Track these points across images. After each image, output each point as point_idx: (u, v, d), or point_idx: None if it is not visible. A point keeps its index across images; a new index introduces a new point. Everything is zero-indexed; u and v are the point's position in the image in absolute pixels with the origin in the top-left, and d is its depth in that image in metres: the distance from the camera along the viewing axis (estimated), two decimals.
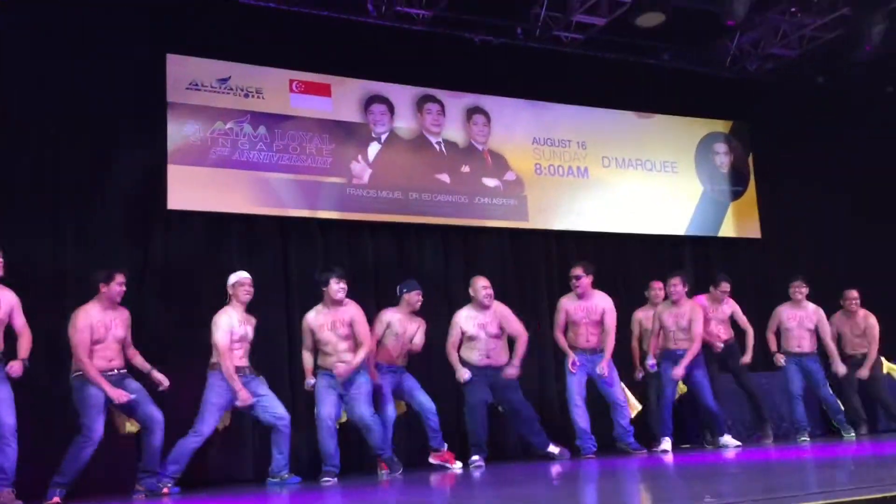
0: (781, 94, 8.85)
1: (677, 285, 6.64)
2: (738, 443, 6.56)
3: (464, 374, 6.06)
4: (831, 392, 7.03)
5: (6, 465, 4.75)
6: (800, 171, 8.86)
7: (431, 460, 6.03)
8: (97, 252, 5.96)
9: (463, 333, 6.16)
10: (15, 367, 4.85)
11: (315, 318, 5.72)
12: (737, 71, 8.69)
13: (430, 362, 6.47)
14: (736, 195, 8.85)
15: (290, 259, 6.86)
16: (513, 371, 6.13)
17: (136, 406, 5.18)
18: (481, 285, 6.19)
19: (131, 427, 5.29)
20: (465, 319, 6.18)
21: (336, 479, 5.50)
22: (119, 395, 5.06)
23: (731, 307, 7.11)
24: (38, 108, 6.10)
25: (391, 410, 5.95)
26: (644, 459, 5.84)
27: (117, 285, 5.22)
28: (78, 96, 6.22)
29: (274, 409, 5.50)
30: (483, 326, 6.13)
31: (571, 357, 6.37)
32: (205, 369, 5.45)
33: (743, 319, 7.10)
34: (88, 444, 4.98)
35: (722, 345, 6.87)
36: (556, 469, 5.41)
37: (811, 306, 7.14)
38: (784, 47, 8.36)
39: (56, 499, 4.89)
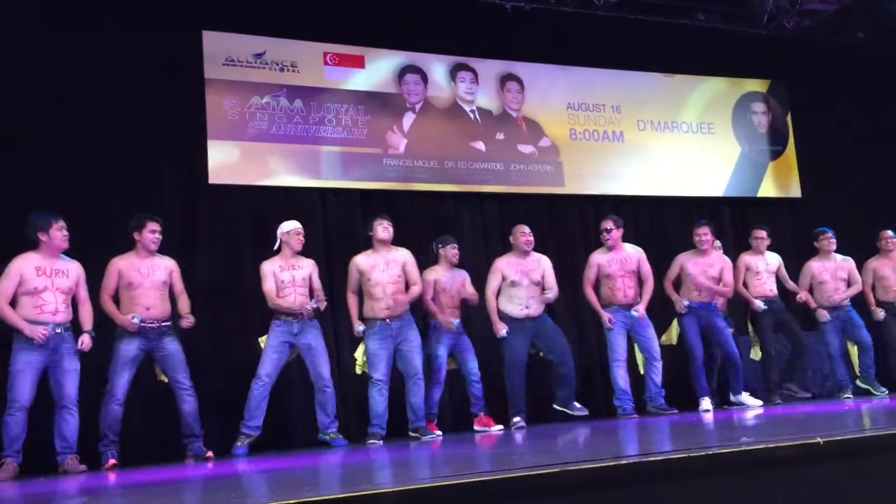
0: (820, 51, 8.69)
1: (707, 234, 6.65)
2: (759, 402, 6.54)
3: (501, 329, 6.12)
4: (869, 338, 6.96)
5: (68, 433, 4.93)
6: (840, 129, 8.73)
7: (476, 427, 6.11)
8: None
9: (503, 280, 6.22)
10: (86, 342, 5.03)
11: (365, 259, 5.86)
12: (773, 28, 8.56)
13: (468, 323, 6.53)
14: (775, 155, 8.76)
15: (330, 230, 6.97)
16: (552, 295, 6.20)
17: (168, 369, 5.29)
18: (521, 231, 6.32)
19: (163, 376, 5.38)
20: (507, 266, 6.26)
21: (382, 441, 5.61)
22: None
23: (777, 260, 7.07)
24: (74, 91, 6.22)
25: (443, 372, 6.08)
26: (681, 417, 5.87)
27: (149, 232, 5.30)
28: (115, 78, 6.32)
29: (318, 368, 5.62)
30: (526, 273, 6.21)
31: (605, 315, 6.38)
32: (250, 332, 5.69)
33: (786, 278, 7.08)
34: (112, 399, 5.10)
35: (762, 304, 6.83)
36: (593, 426, 5.48)
37: (839, 257, 7.10)
38: (822, 2, 8.22)
39: (112, 461, 5.05)
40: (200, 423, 5.33)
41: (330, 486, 2.88)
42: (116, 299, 5.30)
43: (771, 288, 6.95)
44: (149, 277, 5.29)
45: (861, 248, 7.41)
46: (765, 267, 6.98)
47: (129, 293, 5.25)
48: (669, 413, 6.24)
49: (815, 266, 7.09)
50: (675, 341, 6.67)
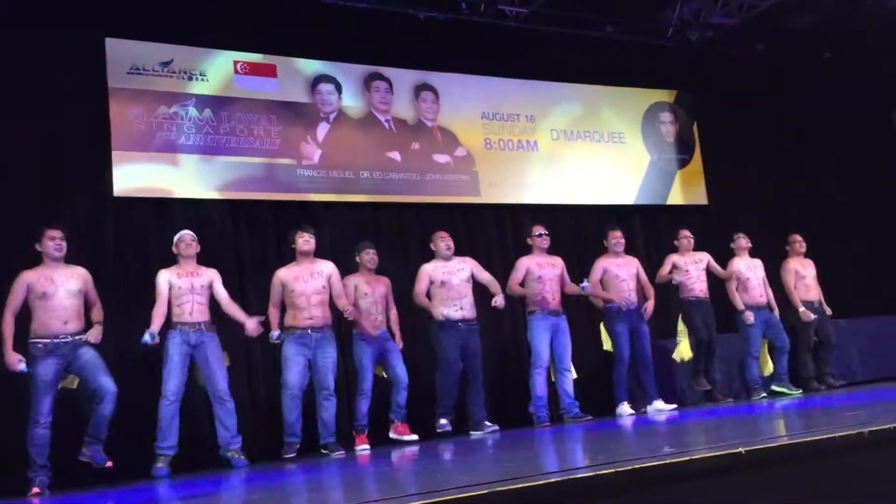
0: (723, 63, 9.00)
1: (621, 237, 6.83)
2: (673, 406, 6.67)
3: (441, 311, 6.08)
4: (788, 341, 7.19)
5: None
6: (744, 138, 9.04)
7: (391, 434, 6.01)
8: None
9: (432, 283, 6.19)
10: None
11: (287, 271, 5.76)
12: (679, 41, 8.81)
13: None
14: (682, 163, 9.01)
15: (242, 242, 6.80)
16: (500, 300, 6.18)
17: (89, 375, 5.06)
18: (440, 237, 6.35)
19: (68, 384, 5.14)
20: (434, 269, 6.25)
21: (297, 451, 5.51)
22: (13, 363, 4.85)
23: (706, 257, 7.22)
24: None
25: (369, 383, 5.95)
26: (599, 424, 5.92)
27: (48, 240, 5.07)
28: (15, 85, 6.04)
29: (216, 383, 5.44)
30: (452, 273, 6.23)
31: (524, 290, 6.43)
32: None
33: (717, 269, 7.20)
34: (36, 426, 4.87)
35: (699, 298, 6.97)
36: (512, 436, 5.48)
37: (754, 259, 7.36)
38: (724, 16, 8.51)
39: (35, 489, 4.79)
40: (108, 429, 5.12)
41: None
42: (27, 317, 4.99)
43: (702, 288, 7.08)
44: (63, 286, 5.05)
45: (765, 254, 7.66)
46: (694, 265, 7.11)
47: (45, 304, 5.00)
48: (585, 420, 6.30)
49: (740, 264, 7.29)
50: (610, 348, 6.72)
